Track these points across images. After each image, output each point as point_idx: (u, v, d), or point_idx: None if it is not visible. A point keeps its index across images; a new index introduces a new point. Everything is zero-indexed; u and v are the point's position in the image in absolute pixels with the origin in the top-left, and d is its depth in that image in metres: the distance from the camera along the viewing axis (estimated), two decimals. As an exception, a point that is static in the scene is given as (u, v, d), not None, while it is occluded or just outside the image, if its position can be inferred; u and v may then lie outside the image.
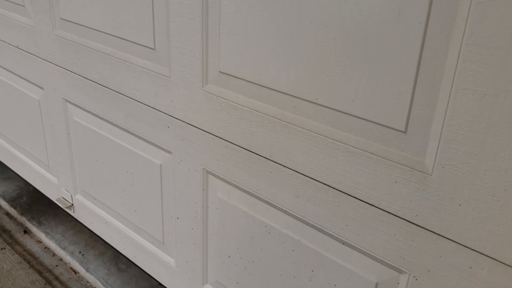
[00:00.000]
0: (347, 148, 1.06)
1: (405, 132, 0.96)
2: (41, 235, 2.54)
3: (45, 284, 2.24)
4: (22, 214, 2.67)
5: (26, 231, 2.61)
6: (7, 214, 2.74)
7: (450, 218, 0.94)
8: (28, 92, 2.12)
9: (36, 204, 2.73)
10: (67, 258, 2.39)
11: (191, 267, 1.65)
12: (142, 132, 1.61)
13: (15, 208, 2.72)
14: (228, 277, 1.53)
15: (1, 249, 2.45)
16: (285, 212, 1.27)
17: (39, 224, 2.59)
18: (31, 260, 2.41)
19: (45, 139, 2.16)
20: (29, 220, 2.62)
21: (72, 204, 2.17)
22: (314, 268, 1.26)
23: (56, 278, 2.30)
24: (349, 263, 1.17)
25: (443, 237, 0.97)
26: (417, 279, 1.04)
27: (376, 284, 1.13)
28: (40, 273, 2.32)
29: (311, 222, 1.21)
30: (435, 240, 0.98)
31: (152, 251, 1.81)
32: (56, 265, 2.38)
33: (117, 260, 2.38)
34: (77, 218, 2.19)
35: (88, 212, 2.09)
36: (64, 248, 2.43)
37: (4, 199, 2.79)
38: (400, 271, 1.07)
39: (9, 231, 2.61)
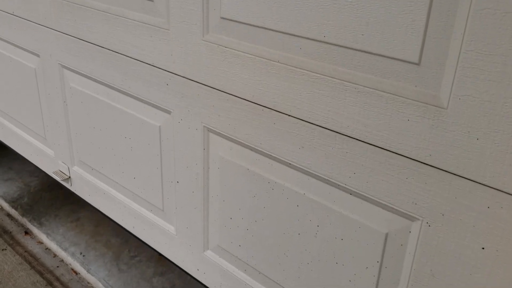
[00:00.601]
0: (356, 88, 1.01)
1: (418, 64, 0.90)
2: (42, 236, 2.55)
3: (46, 285, 2.24)
4: (23, 215, 2.68)
5: (27, 232, 2.61)
6: (8, 215, 2.75)
7: (467, 154, 0.89)
8: (24, 61, 2.06)
9: (37, 205, 2.74)
10: (68, 259, 2.40)
11: (192, 233, 1.60)
12: (140, 93, 1.55)
13: (16, 209, 2.73)
14: (230, 241, 1.48)
15: (2, 250, 2.45)
16: (289, 165, 1.21)
17: (40, 225, 2.60)
18: (32, 261, 2.41)
19: (42, 110, 2.10)
20: (30, 221, 2.63)
21: (69, 177, 2.11)
22: (319, 222, 1.20)
23: (57, 279, 2.30)
24: (357, 214, 1.12)
25: (459, 176, 0.91)
26: (430, 226, 0.99)
27: (386, 234, 1.08)
28: (41, 274, 2.33)
29: (317, 173, 1.15)
30: (450, 181, 0.93)
31: (151, 219, 1.76)
32: (57, 266, 2.38)
33: (118, 261, 2.38)
34: (74, 191, 2.13)
35: (85, 184, 2.03)
36: (65, 249, 2.44)
37: (5, 200, 2.80)
38: (412, 219, 1.02)
39: (10, 232, 2.62)
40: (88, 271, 2.32)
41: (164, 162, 1.59)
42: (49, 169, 2.24)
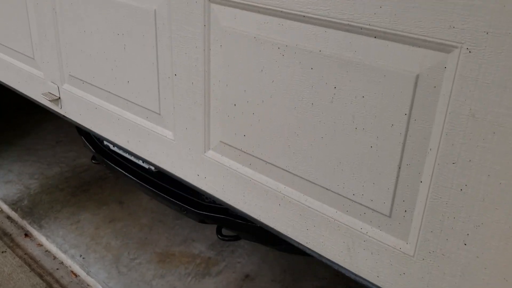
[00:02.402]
0: None
1: None
2: (42, 239, 2.55)
3: None
4: (23, 217, 2.68)
5: (27, 235, 2.61)
6: (8, 217, 2.75)
7: None
8: (10, -29, 1.92)
9: (37, 208, 2.76)
10: (68, 261, 2.39)
11: (191, 133, 1.45)
12: (134, -26, 1.41)
13: (16, 211, 2.72)
14: (234, 132, 1.34)
15: (2, 252, 2.45)
16: (303, 18, 1.07)
17: (40, 227, 2.61)
18: (32, 263, 2.40)
19: (30, 25, 1.95)
20: (30, 223, 2.63)
21: (59, 98, 1.97)
22: (337, 83, 1.06)
23: (57, 281, 2.29)
24: (382, 60, 0.97)
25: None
26: (470, 52, 0.85)
27: (417, 77, 0.93)
28: (41, 276, 2.31)
29: (336, 20, 1.01)
30: (498, -14, 0.79)
31: (147, 128, 1.61)
32: (57, 269, 2.38)
33: (117, 263, 2.38)
34: (65, 114, 1.99)
35: (76, 103, 1.89)
36: (64, 252, 2.44)
37: (5, 202, 2.79)
38: (449, 49, 0.88)
39: (10, 234, 2.61)
40: (88, 273, 2.31)
41: (160, 54, 1.45)
42: (37, 93, 2.09)
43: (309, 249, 1.25)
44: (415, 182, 1.00)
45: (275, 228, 1.33)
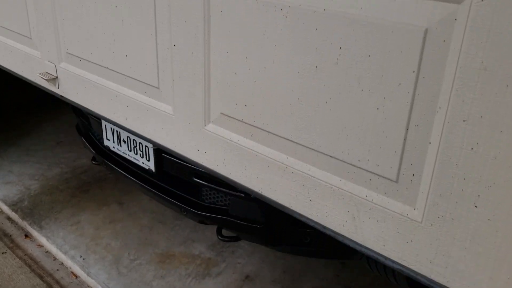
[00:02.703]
0: None
1: None
2: (42, 239, 2.54)
3: (45, 288, 2.22)
4: (23, 218, 2.67)
5: (27, 235, 2.60)
6: (8, 218, 2.75)
7: None
8: None
9: (37, 209, 2.76)
10: (68, 262, 2.39)
11: (191, 106, 1.42)
12: None
13: (16, 212, 2.72)
14: (235, 102, 1.30)
15: (2, 253, 2.45)
16: (307, -23, 1.03)
17: (40, 228, 2.60)
18: (32, 264, 2.39)
19: (27, 3, 1.92)
20: (30, 224, 2.63)
21: (56, 77, 1.93)
22: (342, 43, 1.02)
23: (57, 282, 2.29)
24: (388, 15, 0.93)
25: None
26: (483, 0, 0.81)
27: (425, 31, 0.89)
28: (41, 277, 2.31)
29: (340, -24, 0.97)
30: None
31: (146, 103, 1.57)
32: (57, 270, 2.38)
33: (118, 264, 2.38)
34: (62, 94, 1.95)
35: (73, 81, 1.85)
36: (65, 252, 2.43)
37: (6, 203, 2.79)
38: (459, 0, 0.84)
39: (10, 235, 2.61)
40: (88, 274, 2.30)
41: (159, 24, 1.41)
42: (34, 74, 2.05)
43: (312, 221, 1.21)
44: (424, 143, 0.96)
45: (277, 201, 1.29)
